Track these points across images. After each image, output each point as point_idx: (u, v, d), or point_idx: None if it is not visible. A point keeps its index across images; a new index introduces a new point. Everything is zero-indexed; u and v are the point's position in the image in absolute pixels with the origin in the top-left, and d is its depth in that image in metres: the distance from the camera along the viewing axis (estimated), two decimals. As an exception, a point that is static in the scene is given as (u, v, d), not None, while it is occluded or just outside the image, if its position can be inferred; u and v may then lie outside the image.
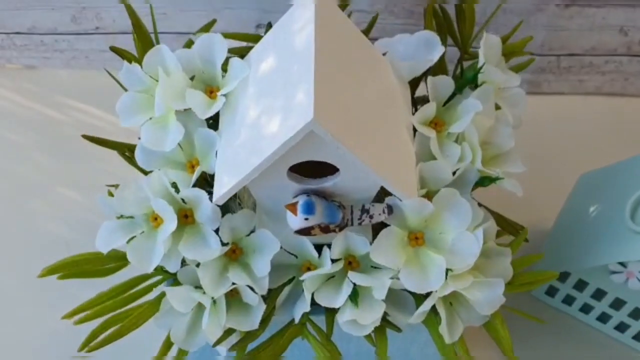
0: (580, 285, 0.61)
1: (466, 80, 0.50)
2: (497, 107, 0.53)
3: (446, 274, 0.46)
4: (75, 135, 0.83)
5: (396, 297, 0.50)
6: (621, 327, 0.63)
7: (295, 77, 0.41)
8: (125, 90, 0.50)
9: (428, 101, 0.51)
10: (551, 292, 0.65)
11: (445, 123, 0.51)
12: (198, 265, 0.48)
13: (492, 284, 0.47)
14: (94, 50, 0.84)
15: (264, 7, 0.78)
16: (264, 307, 0.48)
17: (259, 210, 0.51)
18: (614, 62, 0.79)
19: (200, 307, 0.48)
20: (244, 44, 0.51)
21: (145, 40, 0.52)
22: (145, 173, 0.50)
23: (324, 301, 0.48)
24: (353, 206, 0.47)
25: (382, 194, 0.48)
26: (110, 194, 0.50)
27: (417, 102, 0.56)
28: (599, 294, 0.61)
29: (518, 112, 0.53)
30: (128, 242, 0.47)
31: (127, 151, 0.54)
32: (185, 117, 0.48)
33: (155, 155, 0.49)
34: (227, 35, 0.49)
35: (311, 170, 0.45)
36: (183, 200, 0.48)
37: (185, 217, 0.49)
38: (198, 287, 0.48)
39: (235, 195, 0.48)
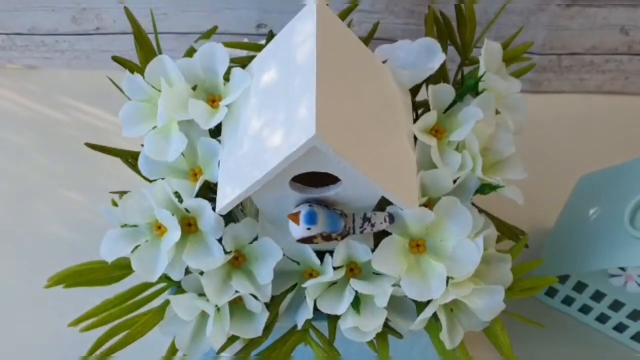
0: (580, 287, 0.62)
1: (467, 88, 0.50)
2: (497, 112, 0.53)
3: (447, 282, 0.47)
4: (77, 136, 0.84)
5: (397, 303, 0.50)
6: (620, 328, 0.64)
7: (297, 90, 0.41)
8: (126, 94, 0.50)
9: (428, 106, 0.51)
10: (551, 293, 0.65)
11: (446, 130, 0.51)
12: (201, 273, 0.48)
13: (492, 291, 0.48)
14: (95, 50, 0.84)
15: (264, 7, 0.78)
16: (267, 314, 0.49)
17: (262, 218, 0.51)
18: (614, 61, 0.79)
19: (204, 314, 0.49)
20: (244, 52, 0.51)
21: (146, 48, 0.52)
22: (150, 181, 0.50)
23: (326, 308, 0.49)
24: (355, 214, 0.47)
25: (384, 202, 0.48)
26: (114, 203, 0.50)
27: (418, 107, 0.56)
28: (598, 296, 0.61)
29: (519, 117, 0.53)
30: (132, 251, 0.48)
31: (130, 158, 0.55)
32: (187, 126, 0.49)
33: (158, 163, 0.49)
34: (228, 45, 0.49)
35: (313, 178, 0.46)
36: (186, 209, 0.48)
37: (189, 225, 0.49)
38: (202, 294, 0.49)
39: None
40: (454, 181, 0.49)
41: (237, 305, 0.50)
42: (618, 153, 0.77)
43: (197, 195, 0.48)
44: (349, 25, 0.59)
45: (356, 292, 0.48)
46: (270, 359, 0.49)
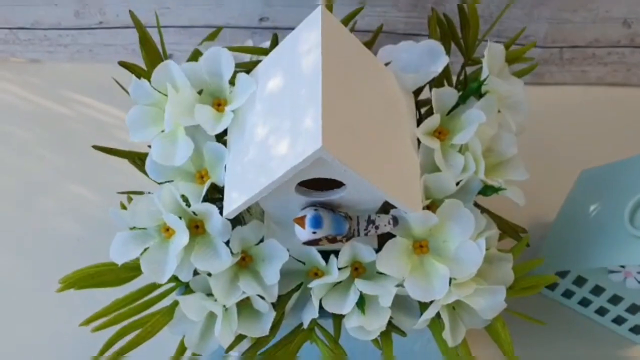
0: (580, 281, 0.63)
1: (470, 91, 0.50)
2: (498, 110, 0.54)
3: (449, 282, 0.48)
4: (81, 130, 0.84)
5: (401, 302, 0.51)
6: (618, 320, 0.65)
7: (303, 100, 0.42)
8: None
9: (431, 104, 0.52)
10: (551, 286, 0.66)
11: (449, 132, 0.52)
12: (209, 274, 0.49)
13: (494, 291, 0.49)
14: (98, 44, 0.84)
15: (267, 0, 0.78)
16: (273, 314, 0.50)
17: (267, 219, 0.52)
18: (616, 53, 0.79)
19: (212, 314, 0.50)
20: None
21: (151, 51, 0.52)
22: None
23: (331, 308, 0.50)
24: (359, 217, 0.48)
25: (388, 204, 0.49)
26: (123, 206, 0.51)
27: (421, 106, 0.57)
28: (597, 290, 0.62)
29: (520, 118, 0.54)
30: (142, 253, 0.49)
31: (137, 159, 0.55)
32: (194, 130, 0.49)
33: (166, 166, 0.50)
34: (232, 49, 0.50)
35: (318, 181, 0.47)
36: (194, 212, 0.49)
37: (196, 228, 0.50)
38: (210, 294, 0.50)
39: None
40: (457, 183, 0.50)
41: (244, 305, 0.51)
42: (619, 145, 0.77)
43: (204, 196, 0.49)
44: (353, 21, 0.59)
45: (361, 292, 0.49)
46: (277, 357, 0.50)
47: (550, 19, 0.75)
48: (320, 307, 0.51)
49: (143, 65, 0.55)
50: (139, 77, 0.50)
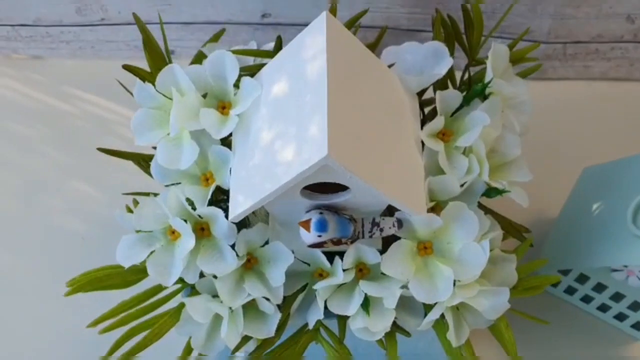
0: (582, 278, 0.63)
1: (474, 93, 0.50)
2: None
3: (454, 284, 0.48)
4: (84, 127, 0.84)
5: (405, 302, 0.52)
6: (620, 317, 0.65)
7: (308, 107, 0.42)
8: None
9: (435, 104, 0.52)
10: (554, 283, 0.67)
11: (453, 133, 0.52)
12: (215, 276, 0.50)
13: (497, 292, 0.49)
14: (100, 41, 0.84)
15: (269, -4, 0.78)
16: (279, 315, 0.51)
17: (272, 220, 0.53)
18: (620, 48, 0.79)
19: (218, 315, 0.50)
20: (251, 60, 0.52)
21: (155, 54, 0.52)
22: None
23: (336, 309, 0.50)
24: (364, 219, 0.49)
25: (393, 207, 0.49)
26: (129, 210, 0.51)
27: (424, 105, 0.57)
28: (599, 288, 0.63)
29: (524, 118, 0.54)
30: (148, 256, 0.49)
31: (142, 161, 0.56)
32: (199, 132, 0.49)
33: (171, 169, 0.50)
34: (236, 52, 0.50)
35: (323, 183, 0.47)
36: (199, 215, 0.49)
37: (202, 230, 0.50)
38: (215, 295, 0.50)
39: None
40: (461, 185, 0.50)
41: (250, 306, 0.51)
42: (622, 141, 0.78)
43: (209, 199, 0.50)
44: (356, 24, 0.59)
45: (365, 293, 0.50)
46: (283, 358, 0.51)
47: (554, 14, 0.75)
48: (325, 307, 0.51)
49: (145, 63, 0.55)
50: (143, 80, 0.50)
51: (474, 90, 0.50)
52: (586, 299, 0.66)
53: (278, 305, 0.51)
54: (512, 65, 0.55)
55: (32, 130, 0.82)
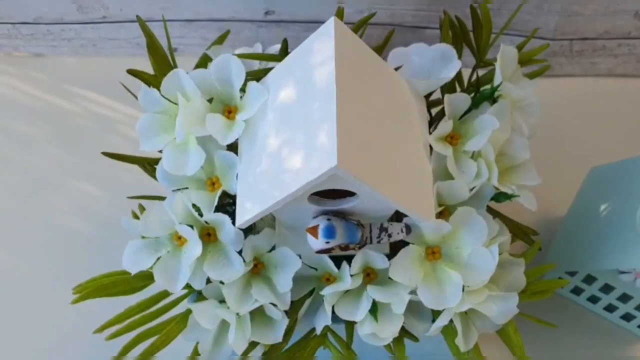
0: (589, 279, 0.63)
1: (483, 97, 0.50)
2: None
3: (462, 289, 0.48)
4: (87, 125, 0.83)
5: (413, 307, 0.51)
6: (627, 317, 0.65)
7: (316, 114, 0.41)
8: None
9: (442, 105, 0.51)
10: (560, 283, 0.67)
11: (462, 136, 0.51)
12: (222, 282, 0.49)
13: (506, 297, 0.49)
14: (101, 38, 0.83)
15: (272, -7, 0.77)
16: (287, 321, 0.50)
17: (279, 225, 0.52)
18: (627, 45, 0.78)
19: (226, 320, 0.50)
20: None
21: (160, 58, 0.52)
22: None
23: (344, 315, 0.50)
24: (372, 225, 0.48)
25: (401, 212, 0.49)
26: (135, 216, 0.51)
27: (432, 106, 0.56)
28: (607, 288, 0.63)
29: (533, 121, 0.53)
30: (154, 263, 0.49)
31: (147, 164, 0.55)
32: (204, 137, 0.49)
33: (177, 175, 0.50)
34: (242, 56, 0.49)
35: (330, 190, 0.46)
36: (206, 221, 0.49)
37: (208, 235, 0.50)
38: (222, 301, 0.50)
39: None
40: (470, 189, 0.49)
41: (257, 311, 0.51)
42: (630, 138, 0.77)
43: (216, 204, 0.49)
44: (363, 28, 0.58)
45: (373, 299, 0.50)
46: (291, 362, 0.51)
47: (561, 11, 0.74)
48: (332, 311, 0.51)
49: (148, 61, 0.54)
50: (148, 84, 0.49)
51: (483, 93, 0.50)
52: (593, 300, 0.66)
53: (285, 311, 0.51)
54: (520, 67, 0.55)
55: (33, 129, 0.81)
